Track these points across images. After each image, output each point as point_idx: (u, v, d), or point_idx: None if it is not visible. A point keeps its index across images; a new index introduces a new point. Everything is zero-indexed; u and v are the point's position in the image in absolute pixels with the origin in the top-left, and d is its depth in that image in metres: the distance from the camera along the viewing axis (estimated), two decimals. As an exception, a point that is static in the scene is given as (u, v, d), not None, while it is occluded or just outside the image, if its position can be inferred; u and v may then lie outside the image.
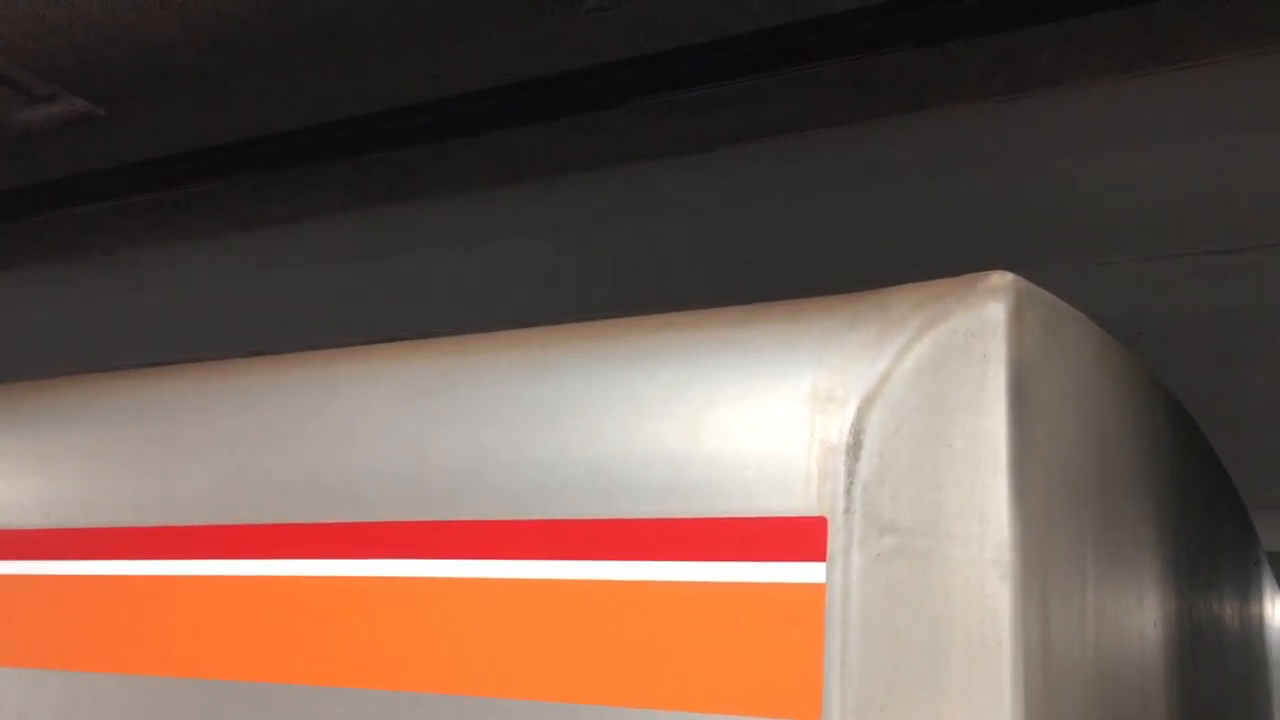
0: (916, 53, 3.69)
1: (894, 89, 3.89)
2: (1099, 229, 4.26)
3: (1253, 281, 4.33)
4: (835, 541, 1.74)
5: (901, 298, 1.90)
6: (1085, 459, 1.97)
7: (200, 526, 2.33)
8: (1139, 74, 3.73)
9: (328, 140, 4.41)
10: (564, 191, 4.66)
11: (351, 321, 5.36)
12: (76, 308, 6.05)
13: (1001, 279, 1.82)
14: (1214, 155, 3.93)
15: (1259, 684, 4.50)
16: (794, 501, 1.79)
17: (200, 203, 4.98)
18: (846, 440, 1.77)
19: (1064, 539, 1.85)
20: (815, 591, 1.74)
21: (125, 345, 5.85)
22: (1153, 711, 2.34)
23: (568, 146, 4.36)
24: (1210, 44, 3.59)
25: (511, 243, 4.98)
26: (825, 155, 4.27)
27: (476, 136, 4.31)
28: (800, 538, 1.77)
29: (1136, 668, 2.23)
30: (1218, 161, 3.94)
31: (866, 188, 4.40)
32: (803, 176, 4.39)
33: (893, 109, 4.02)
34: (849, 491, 1.75)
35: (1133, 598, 2.21)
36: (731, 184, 4.48)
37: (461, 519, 2.05)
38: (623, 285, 4.90)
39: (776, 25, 3.59)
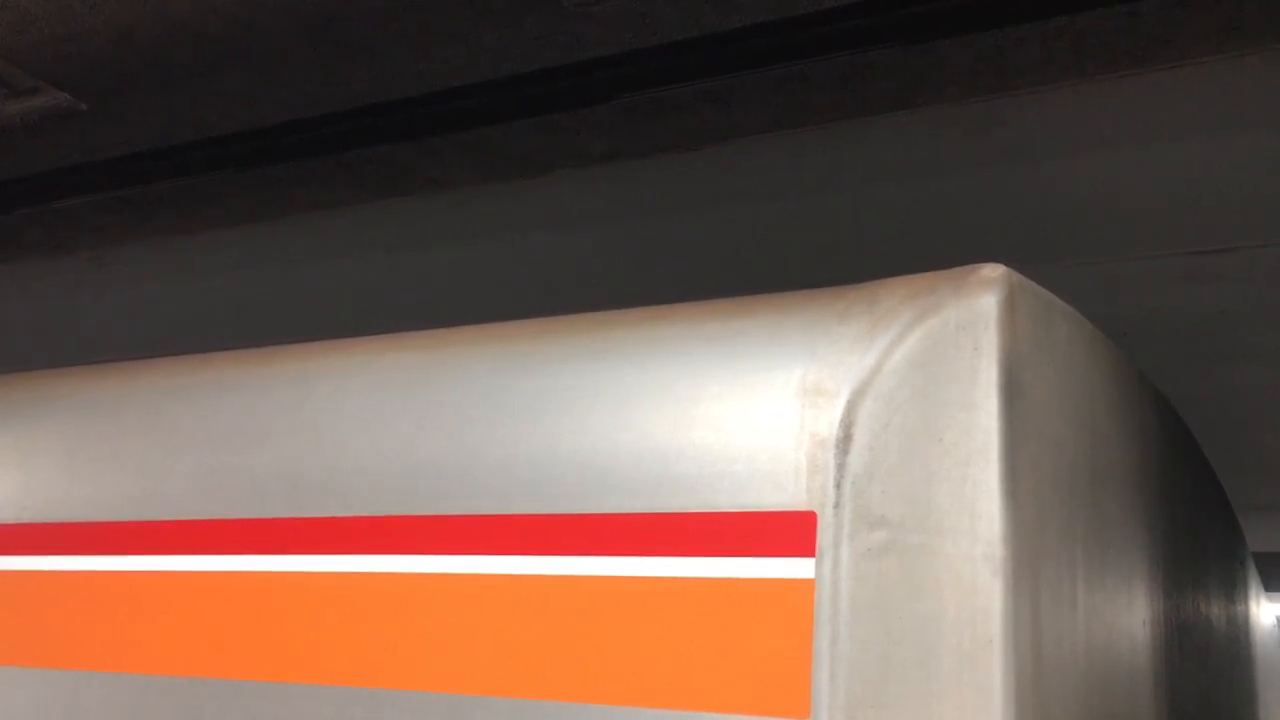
0: (903, 51, 3.68)
1: (880, 87, 3.88)
2: (1085, 228, 4.26)
3: (1239, 282, 4.33)
4: (824, 536, 1.73)
5: (892, 290, 1.88)
6: (1076, 454, 1.96)
7: (180, 521, 2.30)
8: (1126, 73, 3.73)
9: (313, 136, 4.39)
10: (550, 189, 4.65)
11: (337, 318, 5.33)
12: (58, 303, 6.01)
13: (993, 271, 1.81)
14: (1200, 155, 3.93)
15: (1244, 684, 4.50)
16: (783, 496, 1.77)
17: (184, 198, 4.95)
18: (836, 434, 1.76)
19: (1055, 535, 1.83)
20: (804, 587, 1.73)
21: (107, 341, 5.81)
22: (1140, 709, 2.33)
23: (553, 144, 4.35)
24: (1197, 44, 3.60)
25: (497, 240, 4.96)
26: (811, 153, 4.26)
27: (462, 133, 4.30)
28: (789, 532, 1.75)
29: (1125, 665, 2.22)
30: (1204, 161, 3.94)
31: (852, 186, 4.39)
32: (789, 175, 4.38)
33: (879, 107, 4.01)
34: (839, 486, 1.74)
35: (1122, 595, 2.20)
36: (718, 182, 4.46)
37: (447, 514, 2.02)
38: (609, 283, 4.88)
39: (763, 22, 3.58)
